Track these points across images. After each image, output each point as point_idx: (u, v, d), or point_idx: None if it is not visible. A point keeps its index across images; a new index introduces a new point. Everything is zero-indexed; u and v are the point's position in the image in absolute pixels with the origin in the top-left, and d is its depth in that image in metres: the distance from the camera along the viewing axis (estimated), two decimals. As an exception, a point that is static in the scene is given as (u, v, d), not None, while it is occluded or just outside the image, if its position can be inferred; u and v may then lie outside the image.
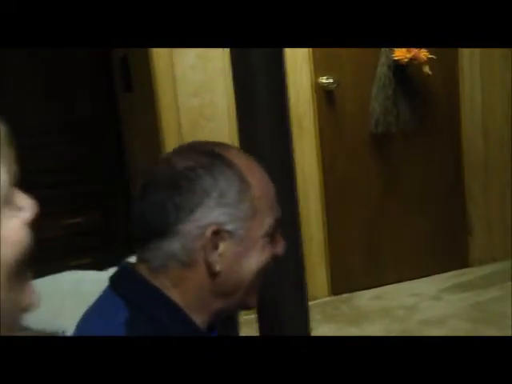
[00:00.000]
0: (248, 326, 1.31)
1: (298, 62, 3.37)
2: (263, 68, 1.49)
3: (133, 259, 1.16)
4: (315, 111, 3.46)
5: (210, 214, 1.07)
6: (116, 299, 1.10)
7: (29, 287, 0.71)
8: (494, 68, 3.73)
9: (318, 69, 3.44)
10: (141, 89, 3.50)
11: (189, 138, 3.24)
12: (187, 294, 1.10)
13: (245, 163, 1.11)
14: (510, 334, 3.00)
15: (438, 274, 3.77)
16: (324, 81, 3.46)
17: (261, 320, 1.61)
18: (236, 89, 1.57)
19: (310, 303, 3.39)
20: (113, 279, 1.14)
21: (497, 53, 3.72)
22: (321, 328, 3.25)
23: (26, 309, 0.71)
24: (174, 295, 1.09)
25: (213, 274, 1.09)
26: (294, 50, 3.30)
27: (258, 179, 1.12)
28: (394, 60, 3.46)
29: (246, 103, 1.56)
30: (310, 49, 3.39)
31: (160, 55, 3.17)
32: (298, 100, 3.38)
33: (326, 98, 3.50)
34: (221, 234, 1.07)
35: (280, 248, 1.17)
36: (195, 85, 3.25)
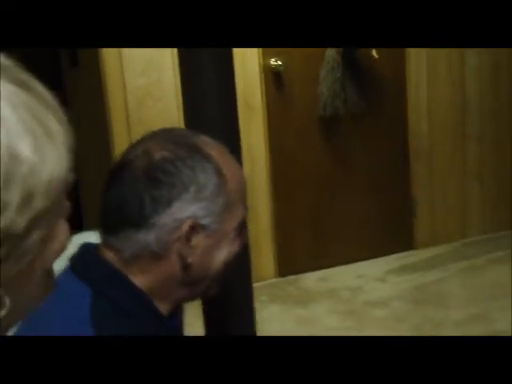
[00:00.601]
0: (192, 306, 1.31)
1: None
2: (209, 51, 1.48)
3: (91, 238, 1.14)
4: (264, 93, 3.46)
5: (188, 208, 1.07)
6: (78, 283, 1.08)
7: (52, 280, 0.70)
8: (440, 53, 3.78)
9: (267, 51, 3.43)
10: (87, 64, 3.44)
11: (136, 117, 3.20)
12: (154, 282, 1.10)
13: (221, 156, 1.11)
14: (450, 315, 3.07)
15: (384, 256, 3.82)
16: (273, 63, 3.46)
17: (204, 302, 1.61)
18: (181, 68, 1.56)
19: (257, 284, 3.42)
20: (74, 261, 1.11)
21: (443, 38, 3.76)
22: (267, 309, 3.27)
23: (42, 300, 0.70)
24: (141, 282, 1.09)
25: (184, 266, 1.09)
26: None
27: (233, 172, 1.12)
28: (343, 43, 3.47)
29: (191, 83, 1.55)
30: (259, 30, 3.38)
31: (107, 32, 3.11)
32: (247, 82, 3.38)
33: (274, 80, 3.50)
34: (196, 228, 1.08)
35: (246, 237, 1.18)
36: (142, 63, 3.21)
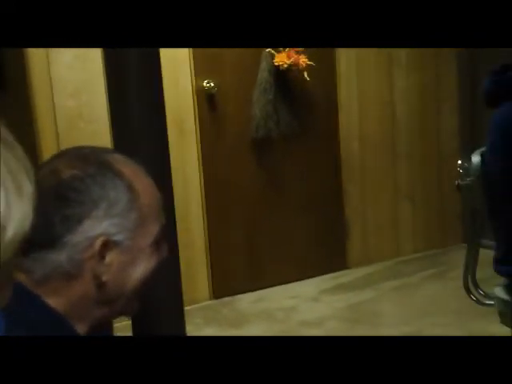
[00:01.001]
0: (123, 331, 1.29)
1: (178, 65, 3.36)
2: (137, 70, 1.47)
3: None
4: (196, 115, 3.46)
5: (99, 225, 1.05)
6: None
7: None
8: (370, 75, 3.86)
9: (199, 72, 3.44)
10: (14, 87, 3.37)
11: (66, 139, 3.15)
12: (69, 303, 1.07)
13: (132, 171, 1.10)
14: (383, 333, 3.10)
15: (318, 276, 3.84)
16: (205, 84, 3.46)
17: (134, 324, 1.58)
18: (109, 90, 1.54)
19: (191, 307, 3.40)
20: None
21: (372, 60, 3.84)
22: (202, 331, 3.24)
23: None
24: (55, 303, 1.07)
25: (99, 284, 1.07)
26: (174, 53, 3.28)
27: (145, 187, 1.11)
28: (275, 65, 3.50)
29: (119, 104, 1.53)
30: (191, 52, 3.39)
31: (35, 53, 3.07)
32: (179, 103, 3.37)
33: (207, 101, 3.50)
34: (109, 245, 1.06)
35: (164, 252, 1.16)
36: (72, 85, 3.17)
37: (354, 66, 3.81)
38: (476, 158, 2.41)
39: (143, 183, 1.11)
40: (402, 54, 3.91)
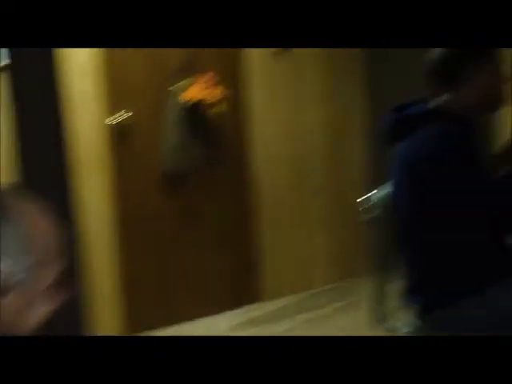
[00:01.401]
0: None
1: (89, 99, 3.32)
2: (36, 106, 1.44)
3: None
4: (107, 150, 3.41)
5: None
6: None
7: None
8: (281, 109, 3.90)
9: (111, 107, 3.40)
10: None
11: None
12: None
13: (29, 211, 1.08)
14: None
15: (231, 309, 3.82)
16: (117, 119, 3.42)
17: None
18: (11, 126, 1.51)
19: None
20: None
21: (283, 95, 3.89)
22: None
23: None
24: None
25: None
26: (86, 87, 3.24)
27: (43, 230, 1.09)
28: (186, 99, 3.50)
29: (20, 141, 1.50)
30: (102, 87, 3.35)
31: None
32: (90, 138, 3.32)
33: (118, 136, 3.46)
34: (3, 287, 1.03)
35: (68, 293, 1.13)
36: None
37: (265, 100, 3.85)
38: (382, 192, 2.47)
39: (41, 225, 1.09)
40: (311, 89, 3.97)
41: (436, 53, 2.19)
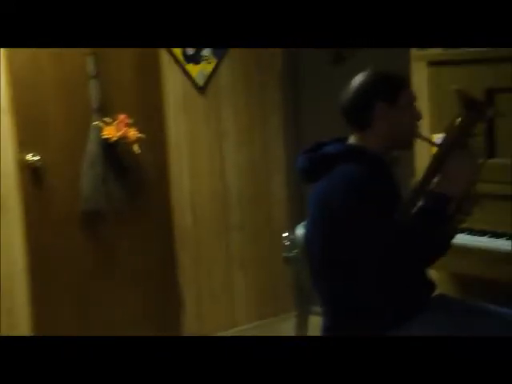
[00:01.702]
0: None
1: (0, 139, 3.23)
2: None
3: None
4: (20, 189, 3.32)
5: None
6: None
7: None
8: (201, 148, 3.90)
9: (23, 146, 3.33)
10: None
11: None
12: None
13: None
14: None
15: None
16: (29, 158, 3.34)
17: None
18: None
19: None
20: None
21: (203, 133, 3.90)
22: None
23: None
24: None
25: None
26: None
27: None
28: (104, 138, 3.46)
29: None
30: (14, 125, 3.28)
31: None
32: (2, 178, 3.23)
33: (32, 175, 3.38)
34: None
35: None
36: None
37: (184, 139, 3.84)
38: (300, 231, 2.48)
39: None
40: (231, 127, 4.00)
41: (349, 92, 2.23)
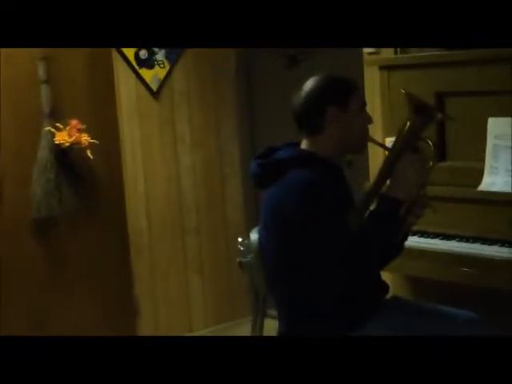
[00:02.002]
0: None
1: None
2: None
3: None
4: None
5: None
6: None
7: None
8: (155, 152, 3.88)
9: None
10: None
11: None
12: None
13: None
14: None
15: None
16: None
17: None
18: None
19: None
20: None
21: (156, 137, 3.87)
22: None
23: None
24: None
25: None
26: None
27: None
28: (56, 144, 3.42)
29: None
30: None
31: None
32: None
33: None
34: None
35: None
36: None
37: (138, 143, 3.82)
38: (254, 235, 2.48)
39: None
40: (185, 131, 3.98)
41: (300, 97, 2.23)
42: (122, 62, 3.72)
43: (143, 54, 3.75)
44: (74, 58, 3.53)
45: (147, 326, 3.90)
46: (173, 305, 3.99)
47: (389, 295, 2.42)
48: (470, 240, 2.64)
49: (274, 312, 2.42)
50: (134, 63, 3.74)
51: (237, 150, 4.18)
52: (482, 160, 2.69)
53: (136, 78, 3.78)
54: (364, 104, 2.28)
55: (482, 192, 2.66)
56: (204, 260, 4.09)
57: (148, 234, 3.89)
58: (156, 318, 3.93)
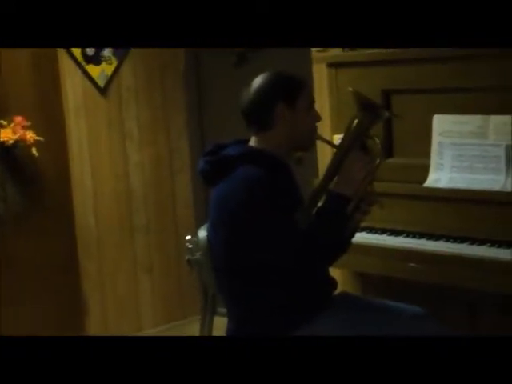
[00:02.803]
0: None
1: None
2: None
3: None
4: None
5: None
6: None
7: None
8: (103, 149, 3.84)
9: None
10: None
11: None
12: None
13: None
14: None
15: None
16: None
17: None
18: None
19: None
20: None
21: (104, 134, 3.83)
22: None
23: None
24: None
25: None
26: None
27: None
28: (0, 141, 3.35)
29: None
30: None
31: None
32: None
33: None
34: None
35: None
36: None
37: (85, 140, 3.77)
38: (203, 233, 2.47)
39: None
40: (134, 128, 3.95)
41: (249, 94, 2.22)
42: (68, 57, 3.66)
43: (90, 50, 3.69)
44: (18, 55, 3.46)
45: (96, 325, 3.86)
46: (122, 303, 3.95)
47: (337, 291, 2.44)
48: (417, 236, 2.68)
49: (223, 310, 2.42)
50: (80, 59, 3.69)
51: (186, 147, 4.15)
52: (428, 157, 2.72)
53: (83, 75, 3.73)
54: (313, 101, 2.29)
55: (428, 188, 2.69)
56: (153, 258, 4.06)
57: (96, 232, 3.84)
58: (105, 317, 3.89)
